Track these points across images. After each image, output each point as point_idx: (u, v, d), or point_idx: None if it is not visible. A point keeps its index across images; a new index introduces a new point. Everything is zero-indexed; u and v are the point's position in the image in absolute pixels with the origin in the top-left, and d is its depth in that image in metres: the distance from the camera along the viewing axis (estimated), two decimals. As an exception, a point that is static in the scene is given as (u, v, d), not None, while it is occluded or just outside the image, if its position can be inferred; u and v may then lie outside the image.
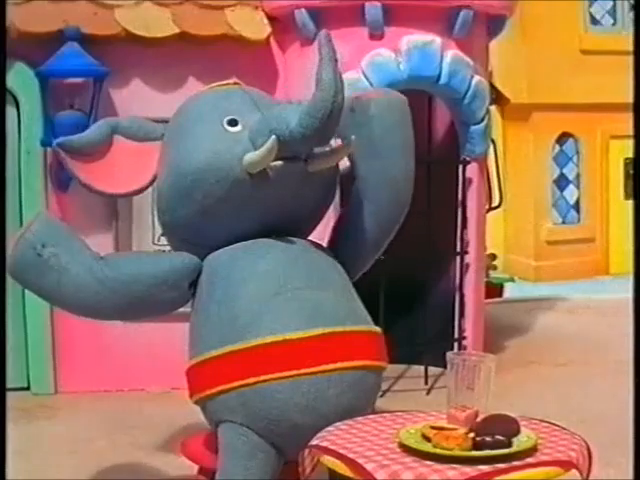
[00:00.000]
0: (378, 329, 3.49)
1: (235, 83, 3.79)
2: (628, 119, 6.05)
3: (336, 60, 3.24)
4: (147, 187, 3.80)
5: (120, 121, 3.88)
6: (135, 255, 4.52)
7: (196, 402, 3.49)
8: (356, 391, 3.27)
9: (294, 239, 3.51)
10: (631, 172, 11.06)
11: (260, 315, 3.26)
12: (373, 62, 5.92)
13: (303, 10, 6.07)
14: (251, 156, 3.38)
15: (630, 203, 10.66)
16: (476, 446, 2.53)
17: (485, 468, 2.44)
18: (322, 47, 3.26)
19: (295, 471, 2.86)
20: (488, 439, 2.53)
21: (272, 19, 6.18)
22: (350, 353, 3.27)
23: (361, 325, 3.40)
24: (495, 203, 7.53)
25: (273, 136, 3.31)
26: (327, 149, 3.41)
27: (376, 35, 5.99)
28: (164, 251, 6.34)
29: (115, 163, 3.73)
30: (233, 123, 3.52)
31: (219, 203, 3.44)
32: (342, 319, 3.32)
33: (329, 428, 2.82)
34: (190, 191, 3.46)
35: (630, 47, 5.41)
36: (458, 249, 6.42)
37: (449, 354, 2.82)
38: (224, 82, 3.81)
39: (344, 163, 3.64)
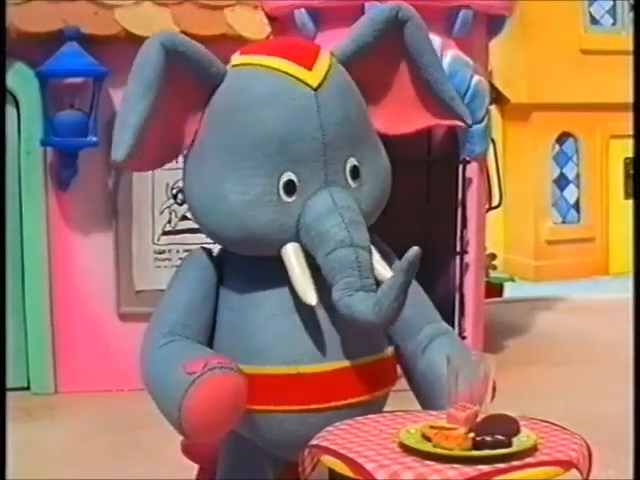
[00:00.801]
0: (391, 350, 3.30)
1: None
2: (628, 119, 6.06)
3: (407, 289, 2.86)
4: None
5: (177, 44, 3.02)
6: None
7: None
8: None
9: None
10: (631, 172, 11.06)
11: (274, 339, 3.09)
12: (373, 62, 5.92)
13: (303, 10, 6.07)
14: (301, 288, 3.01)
15: (630, 203, 10.66)
16: (476, 446, 2.53)
17: (485, 468, 2.44)
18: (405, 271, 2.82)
19: (295, 471, 2.86)
20: (488, 439, 2.53)
21: (272, 19, 6.18)
22: (361, 388, 3.14)
23: (375, 353, 3.21)
24: (495, 203, 7.53)
25: (299, 250, 3.03)
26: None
27: (376, 35, 5.99)
28: (167, 256, 6.39)
29: (166, 118, 3.07)
30: (290, 189, 3.02)
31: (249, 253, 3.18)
32: (357, 348, 3.15)
33: (329, 428, 2.82)
34: (216, 234, 3.14)
35: (630, 47, 5.42)
36: (458, 249, 6.42)
37: (449, 354, 2.82)
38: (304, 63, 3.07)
39: None
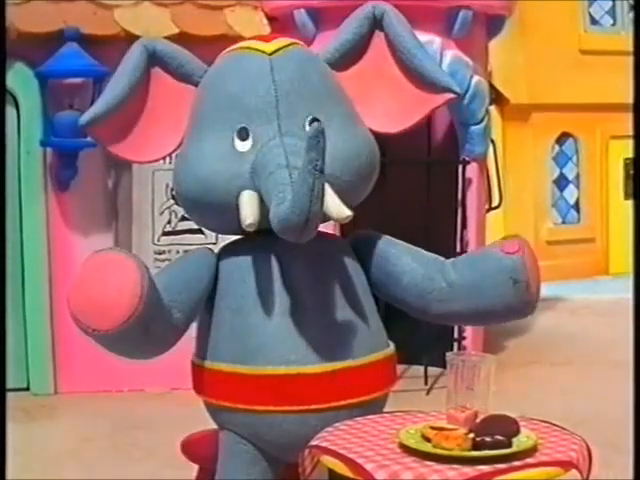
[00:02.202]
0: (391, 349, 3.31)
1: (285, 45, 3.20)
2: (628, 119, 6.06)
3: (318, 170, 2.78)
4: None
5: (157, 47, 3.29)
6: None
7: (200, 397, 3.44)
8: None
9: (313, 238, 3.10)
10: (631, 172, 11.07)
11: (274, 338, 3.09)
12: (373, 62, 5.92)
13: (302, 10, 6.07)
14: (243, 215, 3.02)
15: (630, 203, 10.66)
16: (476, 446, 2.53)
17: (485, 468, 2.44)
18: (307, 150, 2.78)
19: (295, 471, 2.86)
20: (488, 439, 2.53)
21: (272, 19, 6.18)
22: (361, 389, 3.14)
23: (376, 352, 3.21)
24: (495, 203, 7.52)
25: (254, 194, 3.02)
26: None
27: (376, 35, 6.00)
28: (167, 257, 6.39)
29: (149, 112, 3.30)
30: (243, 135, 3.11)
31: (217, 220, 3.24)
32: (357, 347, 3.15)
33: (329, 428, 2.82)
34: (186, 200, 3.23)
35: (630, 47, 5.42)
36: (458, 249, 6.42)
37: (449, 354, 2.82)
38: (267, 39, 3.26)
39: None
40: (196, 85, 3.29)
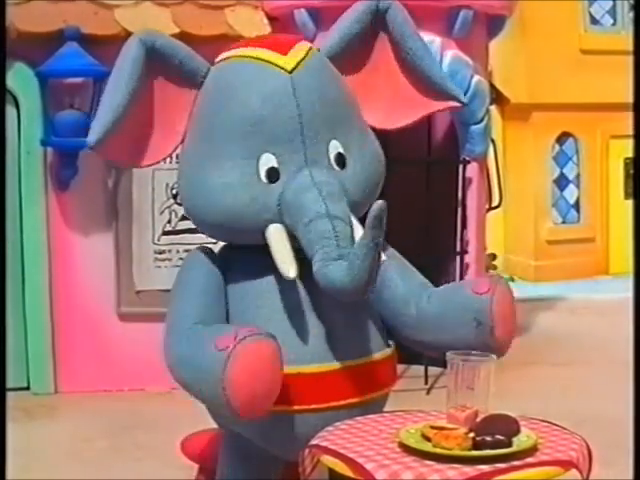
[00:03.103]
0: (391, 349, 3.31)
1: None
2: (628, 119, 6.07)
3: (378, 246, 2.79)
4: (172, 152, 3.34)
5: (156, 41, 3.13)
6: None
7: None
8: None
9: None
10: (631, 172, 11.06)
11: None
12: (373, 62, 5.93)
13: (303, 10, 6.07)
14: (283, 267, 2.99)
15: (630, 203, 10.66)
16: (476, 446, 2.53)
17: (485, 468, 2.44)
18: (372, 227, 2.75)
19: (295, 471, 2.86)
20: (488, 439, 2.53)
21: (272, 19, 6.18)
22: (361, 389, 3.14)
23: (375, 354, 3.21)
24: (495, 203, 7.52)
25: (283, 233, 3.03)
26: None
27: (376, 35, 6.00)
28: (167, 256, 6.38)
29: (148, 116, 3.18)
30: (273, 177, 3.05)
31: (233, 240, 3.23)
32: (357, 347, 3.16)
33: (329, 428, 2.82)
34: (203, 221, 3.17)
35: (630, 47, 5.43)
36: (458, 249, 6.42)
37: (449, 354, 2.82)
38: (275, 51, 3.11)
39: None
40: (198, 85, 3.19)
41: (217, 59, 3.25)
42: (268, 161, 3.04)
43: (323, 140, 3.08)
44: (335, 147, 3.11)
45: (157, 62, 3.15)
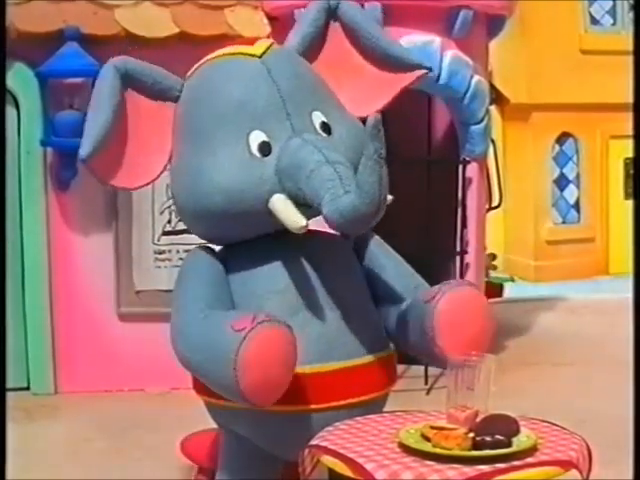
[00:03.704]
0: (391, 349, 3.33)
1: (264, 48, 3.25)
2: (628, 119, 6.06)
3: (382, 158, 2.83)
4: (164, 170, 3.40)
5: (129, 66, 3.30)
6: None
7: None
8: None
9: (314, 238, 3.25)
10: (631, 172, 11.06)
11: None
12: (373, 62, 5.93)
13: (303, 10, 6.06)
14: (291, 220, 3.04)
15: (630, 203, 10.66)
16: (476, 446, 2.53)
17: (485, 468, 2.44)
18: (371, 139, 2.81)
19: (295, 471, 2.86)
20: (488, 439, 2.53)
21: (272, 19, 6.18)
22: (361, 388, 3.17)
23: (376, 352, 3.23)
24: (495, 203, 7.52)
25: (286, 198, 3.06)
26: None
27: (376, 35, 6.00)
28: (167, 257, 6.38)
29: (132, 137, 3.28)
30: (265, 150, 3.13)
31: (238, 230, 3.24)
32: (357, 347, 3.18)
33: (329, 428, 2.82)
34: (206, 214, 3.19)
35: (630, 47, 5.42)
36: (458, 249, 6.42)
37: (449, 355, 2.82)
38: (245, 44, 3.30)
39: None
40: (175, 100, 3.30)
41: (187, 75, 3.37)
42: (258, 137, 3.12)
43: (306, 111, 3.18)
44: (318, 117, 3.20)
45: (132, 84, 3.28)
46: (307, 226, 3.02)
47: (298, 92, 3.18)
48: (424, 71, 3.47)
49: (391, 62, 3.40)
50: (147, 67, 3.33)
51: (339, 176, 2.94)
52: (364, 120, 3.36)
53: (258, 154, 3.11)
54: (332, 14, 3.42)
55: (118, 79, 3.24)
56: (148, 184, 3.40)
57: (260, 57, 3.20)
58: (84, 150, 3.16)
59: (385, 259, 3.38)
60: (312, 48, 3.41)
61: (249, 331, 2.80)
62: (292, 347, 2.88)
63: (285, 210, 3.05)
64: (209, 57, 3.32)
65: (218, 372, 2.89)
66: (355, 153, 3.13)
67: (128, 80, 3.27)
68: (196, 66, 3.35)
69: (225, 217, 3.16)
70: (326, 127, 3.20)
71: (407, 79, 3.45)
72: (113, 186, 3.37)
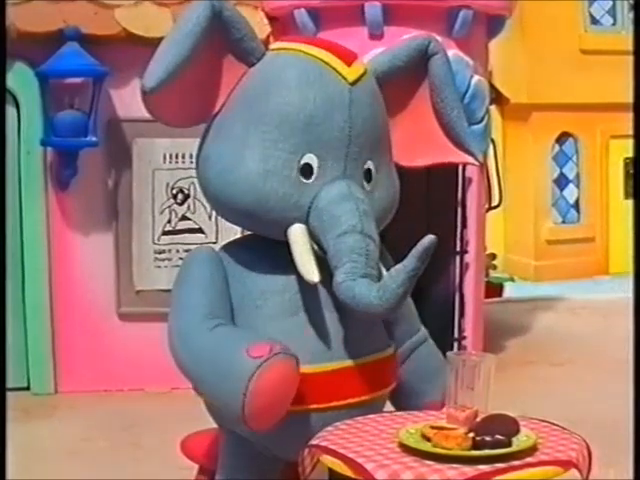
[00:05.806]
0: (392, 349, 3.32)
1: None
2: (628, 119, 6.07)
3: (416, 277, 2.85)
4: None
5: (225, 11, 3.05)
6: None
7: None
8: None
9: None
10: (631, 172, 11.06)
11: (274, 339, 3.02)
12: (373, 62, 5.93)
13: (303, 10, 6.07)
14: (305, 270, 3.01)
15: (630, 203, 10.66)
16: (476, 446, 2.53)
17: (485, 468, 2.44)
18: (417, 259, 2.83)
19: (295, 471, 2.86)
20: (488, 439, 2.53)
21: (272, 19, 6.18)
22: (361, 388, 3.15)
23: (375, 354, 3.22)
24: (495, 203, 7.53)
25: (305, 236, 3.04)
26: None
27: (376, 35, 6.00)
28: (167, 256, 6.39)
29: (196, 80, 3.07)
30: (308, 172, 3.06)
31: (253, 225, 3.22)
32: (358, 347, 3.16)
33: (329, 428, 2.82)
34: (230, 203, 3.12)
35: (630, 47, 5.43)
36: (458, 249, 6.42)
37: (449, 354, 2.82)
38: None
39: None
40: (250, 64, 3.15)
41: (272, 47, 3.24)
42: (310, 160, 3.06)
43: (362, 158, 3.13)
44: (368, 165, 3.16)
45: (219, 29, 3.07)
46: (317, 281, 3.00)
47: (365, 136, 3.12)
48: (474, 162, 3.53)
49: (452, 137, 3.39)
50: (241, 20, 3.13)
51: (367, 253, 2.96)
52: (399, 167, 3.40)
53: (299, 174, 3.06)
54: (424, 59, 3.32)
55: (209, 19, 3.02)
56: (194, 125, 3.22)
57: (351, 85, 3.10)
58: (150, 81, 2.98)
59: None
60: (393, 77, 3.31)
61: (265, 360, 2.83)
62: (297, 381, 2.92)
63: (301, 252, 3.03)
64: (299, 47, 3.16)
65: (223, 391, 2.91)
66: (384, 215, 3.21)
67: (218, 23, 3.05)
68: (281, 46, 3.21)
69: (244, 215, 3.14)
70: (369, 176, 3.17)
71: (458, 157, 3.46)
72: (163, 122, 3.23)
